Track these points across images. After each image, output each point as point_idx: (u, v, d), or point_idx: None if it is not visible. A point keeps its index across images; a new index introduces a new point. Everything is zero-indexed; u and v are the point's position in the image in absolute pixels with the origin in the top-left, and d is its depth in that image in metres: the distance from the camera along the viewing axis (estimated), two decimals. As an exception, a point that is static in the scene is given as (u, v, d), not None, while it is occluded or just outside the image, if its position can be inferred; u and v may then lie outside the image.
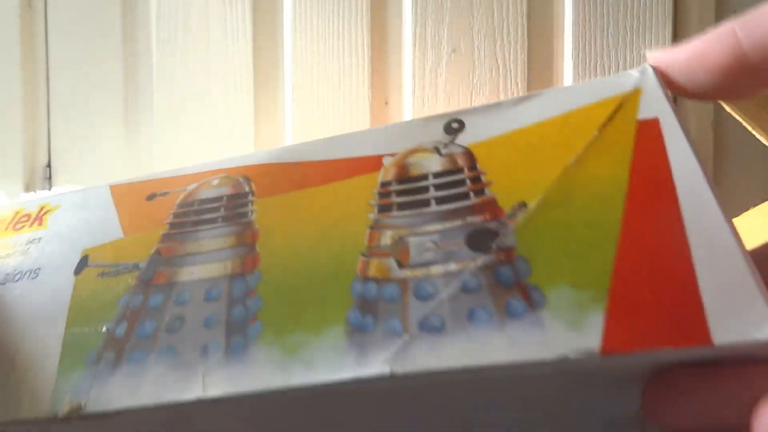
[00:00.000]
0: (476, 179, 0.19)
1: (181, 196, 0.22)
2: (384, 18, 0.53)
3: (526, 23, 0.52)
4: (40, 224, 0.22)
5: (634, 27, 0.51)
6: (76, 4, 0.55)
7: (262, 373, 0.17)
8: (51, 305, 0.20)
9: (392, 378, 0.16)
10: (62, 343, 0.19)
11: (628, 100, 0.18)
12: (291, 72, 0.52)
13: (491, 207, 0.18)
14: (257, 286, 0.19)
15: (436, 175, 0.19)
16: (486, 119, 0.20)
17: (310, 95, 0.52)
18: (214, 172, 0.22)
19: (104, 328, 0.19)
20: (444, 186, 0.19)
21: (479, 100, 0.52)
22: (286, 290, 0.18)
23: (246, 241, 0.20)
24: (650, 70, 0.19)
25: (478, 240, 0.18)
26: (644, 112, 0.18)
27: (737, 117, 0.43)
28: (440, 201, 0.19)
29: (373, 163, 0.20)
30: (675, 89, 0.19)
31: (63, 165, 0.55)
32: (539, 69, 0.52)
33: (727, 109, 0.43)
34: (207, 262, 0.20)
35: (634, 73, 0.19)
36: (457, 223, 0.18)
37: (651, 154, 0.17)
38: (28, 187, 0.54)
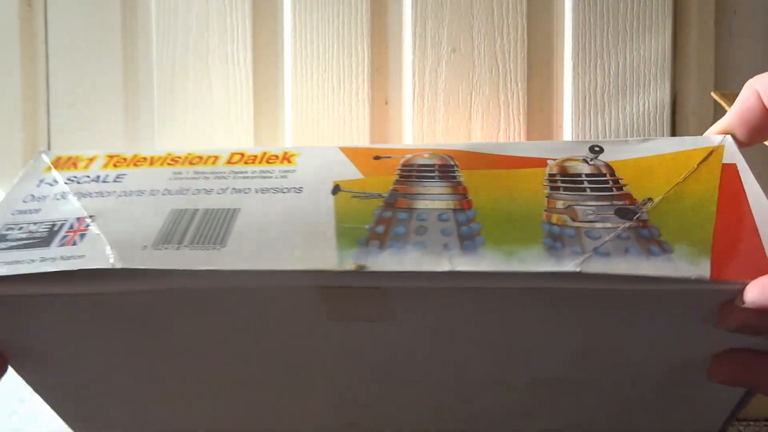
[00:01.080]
0: (616, 181, 0.28)
1: (402, 161, 0.29)
2: (384, 18, 0.53)
3: (526, 23, 0.52)
4: (289, 162, 0.30)
5: (634, 27, 0.51)
6: (76, 3, 0.55)
7: (491, 260, 0.24)
8: (319, 209, 0.27)
9: (579, 276, 0.23)
10: (335, 231, 0.26)
11: (716, 150, 0.28)
12: (291, 71, 0.52)
13: (629, 197, 0.27)
14: (475, 216, 0.26)
15: (588, 176, 0.28)
16: (619, 147, 0.29)
17: (310, 95, 0.52)
18: (423, 150, 0.30)
19: (367, 227, 0.26)
20: (594, 182, 0.27)
21: (479, 100, 0.52)
22: (496, 221, 0.26)
23: (459, 192, 0.28)
24: (730, 138, 0.29)
25: (624, 213, 0.26)
26: (726, 159, 0.28)
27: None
28: (593, 189, 0.27)
29: (540, 162, 0.29)
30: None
31: (63, 165, 0.54)
32: (539, 69, 0.52)
33: (727, 108, 0.43)
34: (434, 199, 0.27)
35: (719, 137, 0.29)
36: (607, 203, 0.27)
37: (731, 181, 0.27)
38: (28, 187, 0.54)
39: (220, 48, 0.53)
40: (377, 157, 0.29)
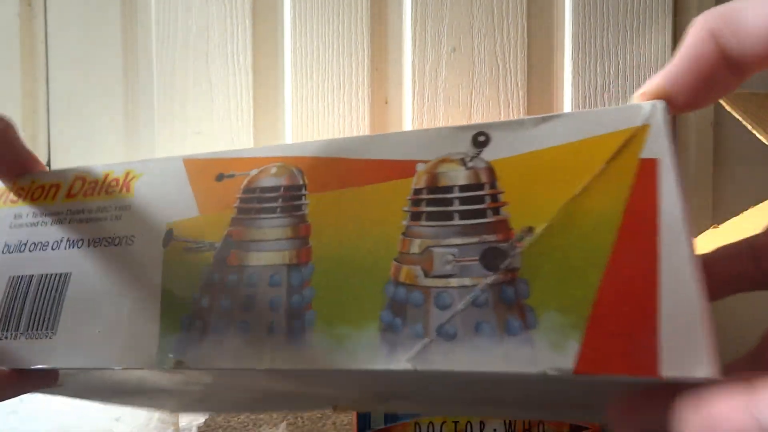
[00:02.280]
0: (494, 198, 0.21)
1: (245, 181, 0.25)
2: (384, 17, 0.53)
3: (526, 22, 0.52)
4: (128, 191, 0.26)
5: (634, 27, 0.51)
6: (75, 3, 0.54)
7: (315, 356, 0.21)
8: (148, 271, 0.24)
9: (414, 372, 0.20)
10: (160, 308, 0.23)
11: (635, 135, 0.20)
12: (291, 71, 0.52)
13: (504, 227, 0.20)
14: (311, 277, 0.22)
15: (462, 188, 0.22)
16: (510, 135, 0.22)
17: (310, 94, 0.52)
18: (272, 159, 0.25)
19: (192, 297, 0.23)
20: (467, 200, 0.21)
21: (479, 100, 0.52)
22: (333, 284, 0.21)
23: (300, 234, 0.23)
24: (660, 106, 0.20)
25: (490, 258, 0.20)
26: (647, 151, 0.20)
27: (737, 117, 0.43)
28: (462, 215, 0.21)
29: (407, 168, 0.22)
30: (676, 109, 0.20)
31: (62, 164, 0.54)
32: (539, 68, 0.52)
33: (727, 108, 0.43)
34: (269, 250, 0.23)
35: (646, 106, 0.20)
36: (475, 239, 0.21)
37: (645, 195, 0.19)
38: (28, 187, 0.54)
39: (220, 48, 0.53)
40: (220, 177, 0.24)
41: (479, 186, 0.21)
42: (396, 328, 0.20)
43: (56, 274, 0.24)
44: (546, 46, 0.52)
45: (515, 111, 0.52)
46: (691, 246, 0.18)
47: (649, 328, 0.17)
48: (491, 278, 0.20)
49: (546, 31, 0.52)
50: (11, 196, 0.27)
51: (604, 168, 0.20)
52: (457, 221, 0.21)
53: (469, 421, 0.47)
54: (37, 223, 0.26)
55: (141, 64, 0.54)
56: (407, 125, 0.52)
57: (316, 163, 0.24)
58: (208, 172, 0.25)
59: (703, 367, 0.17)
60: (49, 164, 0.55)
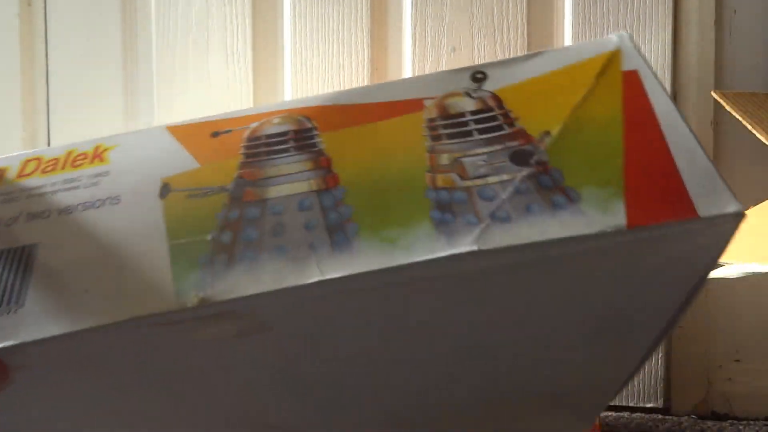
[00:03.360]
0: (506, 115, 0.23)
1: (246, 133, 0.23)
2: (384, 17, 0.53)
3: (525, 22, 0.52)
4: (101, 160, 0.24)
5: (634, 27, 0.51)
6: (75, 3, 0.55)
7: (369, 256, 0.20)
8: (143, 223, 0.21)
9: (478, 254, 0.20)
10: (169, 253, 0.21)
11: (613, 57, 0.24)
12: (291, 71, 0.52)
13: (523, 135, 0.22)
14: (344, 197, 0.21)
15: (473, 113, 0.23)
16: (503, 71, 0.24)
17: (311, 94, 0.52)
18: (271, 113, 0.24)
19: (209, 237, 0.21)
20: (482, 120, 0.23)
21: (479, 100, 0.52)
22: (369, 199, 0.21)
23: (321, 165, 0.22)
24: (626, 34, 0.24)
25: (519, 157, 0.22)
26: (626, 66, 0.24)
27: (737, 117, 0.43)
28: (481, 132, 0.23)
29: (416, 104, 0.24)
30: None
31: (63, 164, 0.54)
32: (539, 68, 0.52)
33: (727, 108, 0.43)
34: (290, 181, 0.22)
35: (613, 37, 0.24)
36: (499, 146, 0.22)
37: (636, 95, 0.23)
38: (28, 187, 0.54)
39: (221, 49, 0.53)
40: (216, 134, 0.23)
41: (489, 109, 0.23)
42: (448, 221, 0.20)
43: (17, 248, 0.22)
44: (546, 46, 0.52)
45: (515, 111, 0.52)
46: (685, 122, 0.22)
47: (677, 185, 0.20)
48: (526, 171, 0.21)
49: (546, 31, 0.52)
50: None
51: (594, 82, 0.23)
52: (477, 136, 0.23)
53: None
54: None
55: (141, 64, 0.54)
56: (407, 125, 0.52)
57: (322, 111, 0.24)
58: (200, 132, 0.24)
59: (733, 204, 0.20)
60: (49, 164, 0.55)
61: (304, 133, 0.23)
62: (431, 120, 0.23)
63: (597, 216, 0.20)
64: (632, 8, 0.51)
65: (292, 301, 0.20)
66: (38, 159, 0.24)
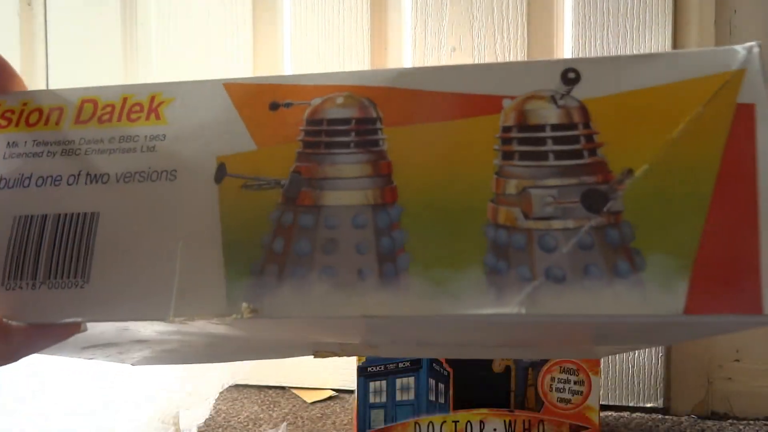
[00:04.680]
0: (590, 138, 0.20)
1: (307, 112, 0.22)
2: (384, 17, 0.53)
3: (526, 22, 0.52)
4: (157, 118, 0.22)
5: (634, 27, 0.51)
6: (75, 3, 0.54)
7: (415, 300, 0.19)
8: (199, 210, 0.21)
9: (525, 316, 0.19)
10: (222, 252, 0.20)
11: (732, 80, 0.19)
12: (291, 70, 0.52)
13: (602, 169, 0.20)
14: (400, 219, 0.20)
15: (554, 128, 0.20)
16: (602, 72, 0.21)
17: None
18: (335, 87, 0.22)
19: (262, 240, 0.20)
20: (561, 140, 0.20)
21: (479, 100, 0.52)
22: (427, 225, 0.20)
23: (381, 172, 0.21)
24: (756, 50, 0.20)
25: (592, 200, 0.19)
26: (744, 96, 0.19)
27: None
28: (558, 156, 0.20)
29: (494, 103, 0.21)
30: None
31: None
32: (539, 68, 0.53)
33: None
34: (347, 189, 0.21)
35: (741, 50, 0.20)
36: (573, 180, 0.20)
37: (742, 140, 0.19)
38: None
39: (221, 49, 0.53)
40: (274, 106, 0.22)
41: (573, 126, 0.20)
42: (501, 271, 0.19)
43: (80, 214, 0.21)
44: (546, 46, 0.52)
45: (515, 111, 0.52)
46: None
47: (753, 271, 0.18)
48: (595, 220, 0.19)
49: (546, 31, 0.52)
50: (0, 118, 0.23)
51: (701, 111, 0.19)
52: (552, 161, 0.20)
53: (469, 421, 0.47)
54: (41, 153, 0.22)
55: (141, 65, 0.54)
56: (407, 125, 0.52)
57: (389, 94, 0.21)
58: (259, 99, 0.22)
59: None
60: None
61: (367, 123, 0.21)
62: (507, 129, 0.20)
63: (656, 294, 0.18)
64: (632, 8, 0.51)
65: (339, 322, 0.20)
66: (94, 102, 0.23)
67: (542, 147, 0.20)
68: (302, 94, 0.22)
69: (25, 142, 0.22)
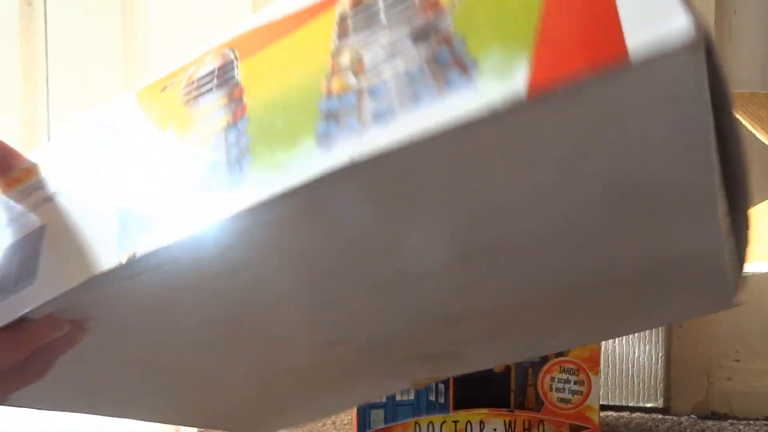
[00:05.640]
0: None
1: (184, 80, 0.24)
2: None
3: (526, 23, 0.52)
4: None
5: (634, 27, 0.51)
6: (75, 3, 0.55)
7: (254, 188, 0.19)
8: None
9: (357, 165, 0.17)
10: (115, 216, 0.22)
11: None
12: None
13: (434, 4, 0.18)
14: (247, 127, 0.21)
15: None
16: None
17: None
18: (207, 52, 0.24)
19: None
20: (393, 4, 0.20)
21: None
22: (266, 124, 0.20)
23: (235, 96, 0.22)
24: None
25: (422, 34, 0.18)
26: None
27: (737, 116, 0.43)
28: (388, 12, 0.19)
29: (330, 2, 0.21)
30: None
31: (63, 164, 0.55)
32: (539, 68, 0.52)
33: (727, 108, 0.43)
34: (210, 122, 0.22)
35: None
36: (404, 26, 0.19)
37: None
38: (28, 187, 0.54)
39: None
40: (164, 89, 0.24)
41: None
42: (331, 133, 0.18)
43: (31, 232, 0.24)
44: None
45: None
46: None
47: (608, 16, 0.15)
48: (424, 50, 0.18)
49: None
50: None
51: None
52: (383, 20, 0.19)
53: (469, 421, 0.47)
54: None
55: (141, 65, 0.55)
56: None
57: (245, 37, 0.23)
58: (155, 89, 0.25)
59: (681, 18, 0.14)
60: (49, 164, 0.55)
61: (226, 68, 0.23)
62: (342, 18, 0.20)
63: (490, 87, 0.16)
64: (632, 8, 0.51)
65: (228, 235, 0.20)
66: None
67: (374, 9, 0.20)
68: (183, 70, 0.24)
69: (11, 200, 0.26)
